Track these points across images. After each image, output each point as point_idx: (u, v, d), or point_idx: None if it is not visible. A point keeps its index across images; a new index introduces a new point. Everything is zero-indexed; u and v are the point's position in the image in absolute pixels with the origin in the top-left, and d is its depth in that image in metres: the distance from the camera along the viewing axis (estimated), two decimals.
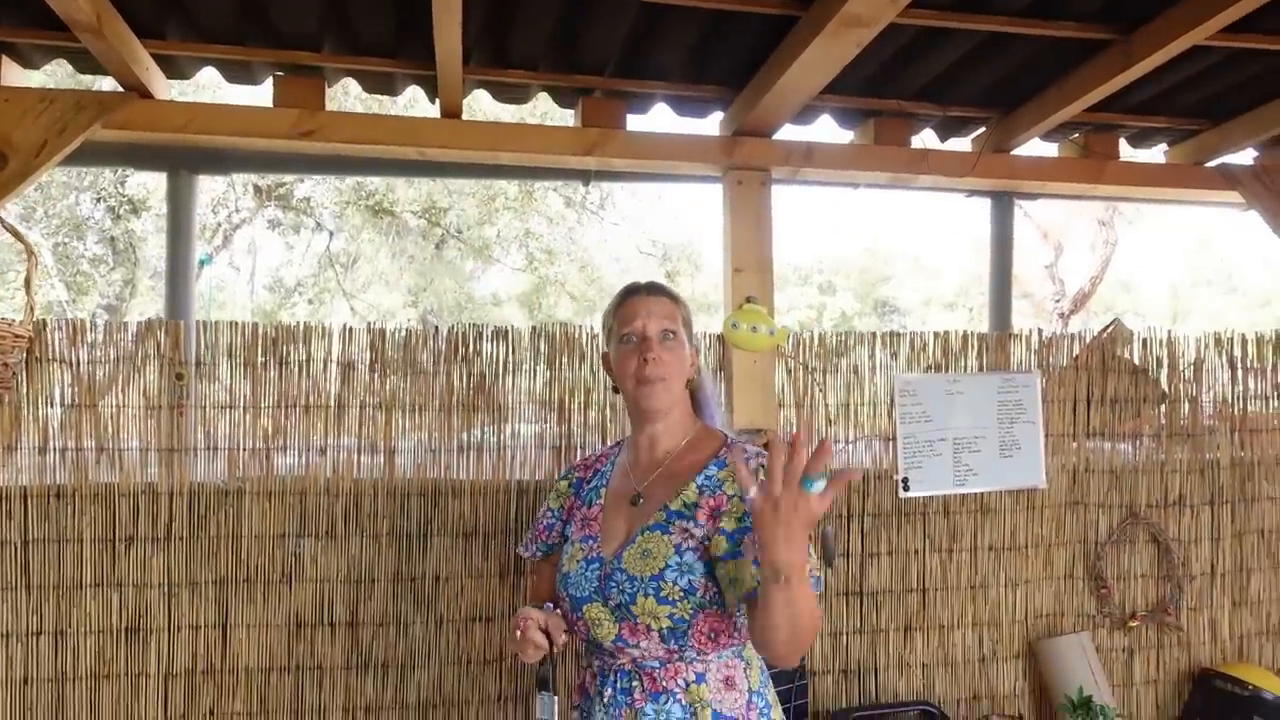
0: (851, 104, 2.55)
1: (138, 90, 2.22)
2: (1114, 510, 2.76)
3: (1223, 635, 2.84)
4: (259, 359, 2.27)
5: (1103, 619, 2.74)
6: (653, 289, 1.68)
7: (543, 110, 7.44)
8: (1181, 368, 2.84)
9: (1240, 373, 2.90)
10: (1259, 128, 2.64)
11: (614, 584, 1.51)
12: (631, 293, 1.67)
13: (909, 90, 2.52)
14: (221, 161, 2.50)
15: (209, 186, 9.18)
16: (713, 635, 1.50)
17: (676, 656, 1.50)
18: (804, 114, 2.55)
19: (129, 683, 2.18)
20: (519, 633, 1.50)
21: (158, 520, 2.20)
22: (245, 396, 2.27)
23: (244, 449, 2.26)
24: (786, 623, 1.29)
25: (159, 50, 2.22)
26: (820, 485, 1.18)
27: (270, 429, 2.28)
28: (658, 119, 2.61)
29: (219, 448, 2.26)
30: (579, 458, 2.18)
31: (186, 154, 2.42)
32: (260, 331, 2.28)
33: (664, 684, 1.50)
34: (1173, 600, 2.77)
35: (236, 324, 2.28)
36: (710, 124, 2.61)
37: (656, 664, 1.51)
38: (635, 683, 1.51)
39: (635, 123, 2.51)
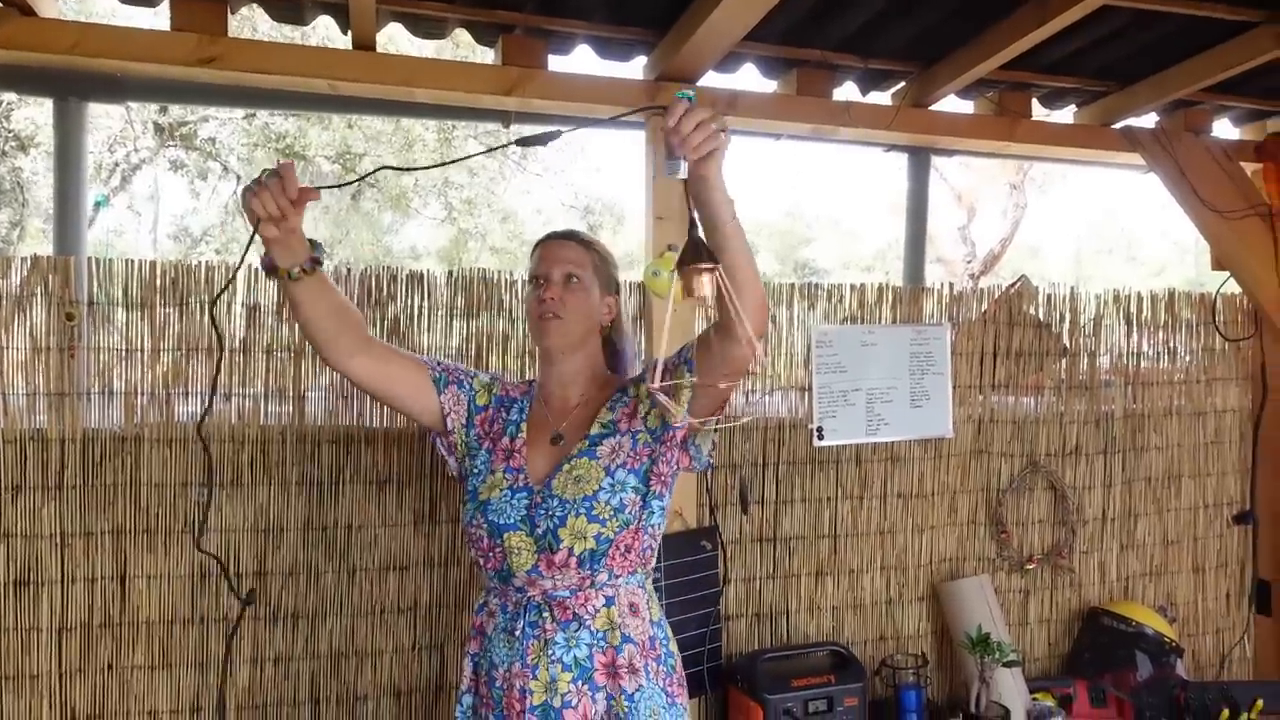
0: (775, 53, 2.54)
1: (18, 6, 2.06)
2: (1015, 459, 2.88)
3: (1110, 576, 3.01)
4: (158, 300, 2.16)
5: (1002, 562, 2.87)
6: (565, 235, 1.72)
7: (463, 55, 7.22)
8: (1082, 324, 2.96)
9: (1135, 330, 3.04)
10: (1160, 91, 2.73)
11: (543, 511, 1.54)
12: (545, 239, 1.73)
13: (832, 41, 2.52)
14: (115, 89, 2.33)
15: (105, 123, 8.64)
16: (626, 551, 1.55)
17: (588, 583, 1.53)
18: (728, 61, 2.53)
19: (19, 637, 2.08)
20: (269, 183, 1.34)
21: (48, 468, 2.09)
22: (144, 339, 2.16)
23: (142, 394, 2.16)
24: (748, 260, 1.36)
25: None
26: (690, 92, 1.26)
27: (170, 373, 2.18)
28: (580, 61, 2.55)
29: (115, 392, 2.15)
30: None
31: (76, 78, 2.25)
32: (159, 270, 2.17)
33: (574, 610, 1.53)
34: (1066, 544, 2.91)
35: (133, 263, 2.16)
36: (634, 68, 2.57)
37: (567, 593, 1.54)
38: (545, 613, 1.54)
39: (557, 64, 2.45)
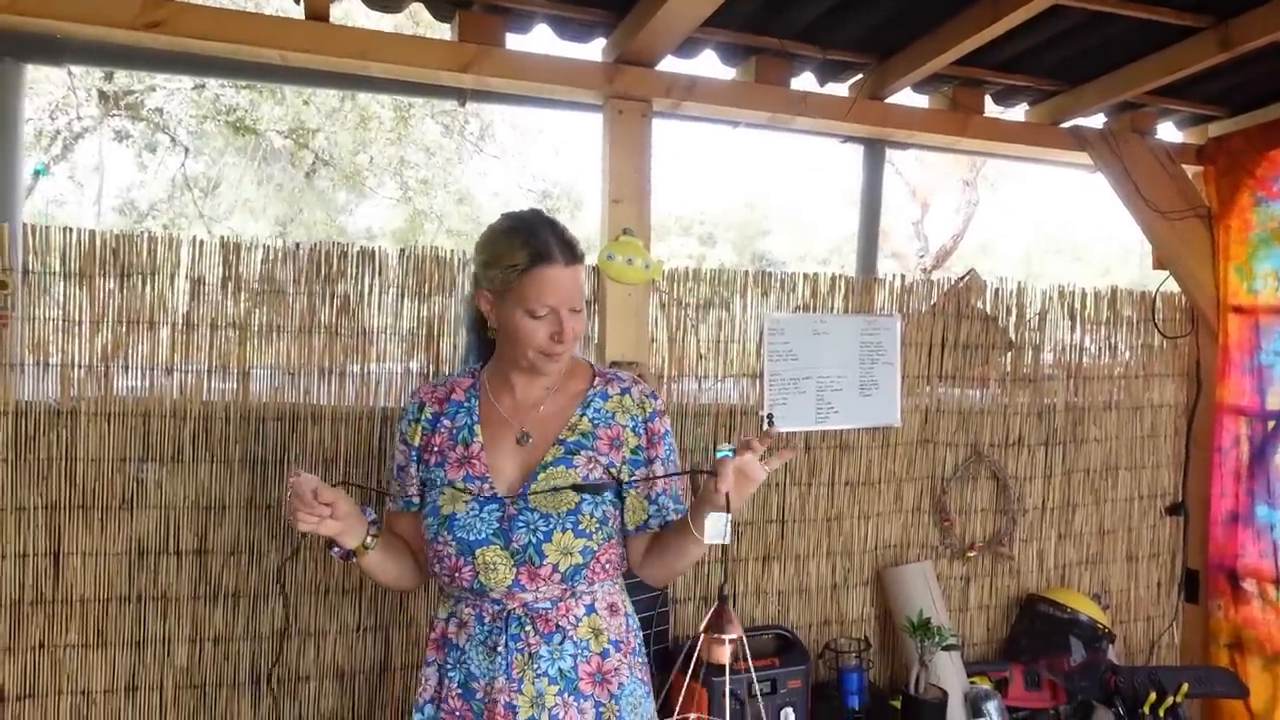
0: (734, 39, 2.55)
1: None
2: (960, 449, 2.94)
3: (1048, 564, 3.09)
4: (97, 270, 2.10)
5: (944, 549, 2.93)
6: (569, 257, 1.50)
7: (420, 32, 7.11)
8: (1028, 318, 3.03)
9: (1078, 326, 3.12)
10: (1109, 92, 2.79)
11: (522, 524, 1.48)
12: (546, 260, 1.46)
13: (791, 30, 2.53)
14: (55, 50, 2.25)
15: (46, 89, 8.34)
16: (607, 565, 1.54)
17: (569, 594, 1.51)
18: (687, 46, 2.53)
19: None
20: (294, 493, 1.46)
21: None
22: (82, 310, 2.10)
23: (79, 366, 2.10)
24: (688, 564, 1.56)
25: None
26: (728, 452, 1.42)
27: (110, 346, 2.12)
28: (538, 41, 2.53)
29: (51, 364, 2.09)
30: (418, 384, 2.06)
31: (13, 38, 2.17)
32: (99, 240, 2.11)
33: (557, 622, 1.50)
34: (1007, 532, 2.98)
35: (71, 230, 2.09)
36: (592, 50, 2.55)
37: (548, 604, 1.50)
38: (528, 627, 1.49)
39: (515, 42, 2.42)
